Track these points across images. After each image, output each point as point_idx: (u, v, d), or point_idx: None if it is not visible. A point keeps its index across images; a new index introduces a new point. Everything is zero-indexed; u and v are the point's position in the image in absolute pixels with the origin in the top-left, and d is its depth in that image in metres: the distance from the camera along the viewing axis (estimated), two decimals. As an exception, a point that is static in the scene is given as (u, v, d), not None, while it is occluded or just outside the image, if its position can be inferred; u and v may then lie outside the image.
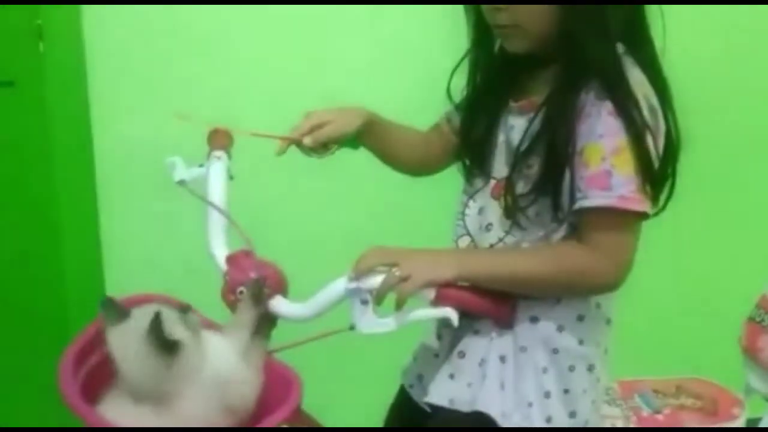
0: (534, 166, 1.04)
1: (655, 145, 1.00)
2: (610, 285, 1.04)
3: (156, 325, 0.94)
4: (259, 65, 1.91)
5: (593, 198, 0.99)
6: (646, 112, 1.00)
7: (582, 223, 1.03)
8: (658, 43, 1.07)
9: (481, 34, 1.13)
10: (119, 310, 0.98)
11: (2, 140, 1.88)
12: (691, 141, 1.86)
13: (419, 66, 1.90)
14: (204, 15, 1.88)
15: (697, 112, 1.89)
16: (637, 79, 1.01)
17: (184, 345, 0.96)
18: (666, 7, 1.07)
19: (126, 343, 0.96)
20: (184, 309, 1.01)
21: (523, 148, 1.06)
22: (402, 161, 1.28)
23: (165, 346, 0.95)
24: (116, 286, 1.94)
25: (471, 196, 1.16)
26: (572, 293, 1.06)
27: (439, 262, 1.00)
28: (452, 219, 1.19)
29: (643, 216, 1.01)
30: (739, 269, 2.02)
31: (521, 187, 1.06)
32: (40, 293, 1.92)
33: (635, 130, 0.98)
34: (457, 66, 1.17)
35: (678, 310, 2.10)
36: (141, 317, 0.97)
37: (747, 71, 2.04)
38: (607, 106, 0.99)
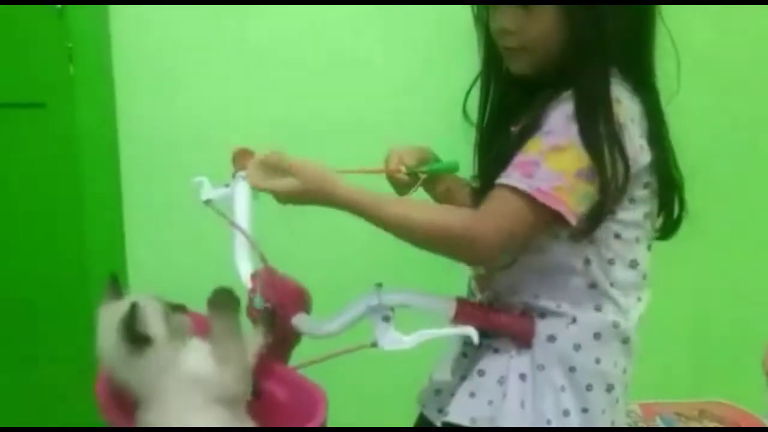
0: None
1: (613, 165, 1.00)
2: (478, 247, 0.99)
3: (129, 318, 0.97)
4: (284, 80, 1.93)
5: (512, 179, 0.99)
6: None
7: (489, 195, 1.02)
8: (669, 79, 1.09)
9: (492, 56, 1.14)
10: (117, 291, 1.04)
11: (33, 159, 1.94)
12: (715, 165, 1.90)
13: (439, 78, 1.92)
14: (228, 35, 1.91)
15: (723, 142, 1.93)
16: (614, 96, 1.01)
17: (155, 341, 0.99)
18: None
19: (107, 325, 1.00)
20: (175, 308, 1.03)
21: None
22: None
23: (135, 339, 0.97)
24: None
25: None
26: (438, 248, 1.02)
27: (322, 189, 1.00)
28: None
29: (555, 217, 0.99)
30: (763, 292, 2.01)
31: None
32: (67, 306, 1.95)
33: (594, 142, 0.98)
34: (471, 87, 1.19)
35: (701, 333, 2.08)
36: (132, 299, 1.00)
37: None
38: (567, 108, 1.01)
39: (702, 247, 1.95)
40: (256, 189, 1.04)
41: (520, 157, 1.01)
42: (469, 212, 1.02)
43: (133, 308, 0.97)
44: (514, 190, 0.99)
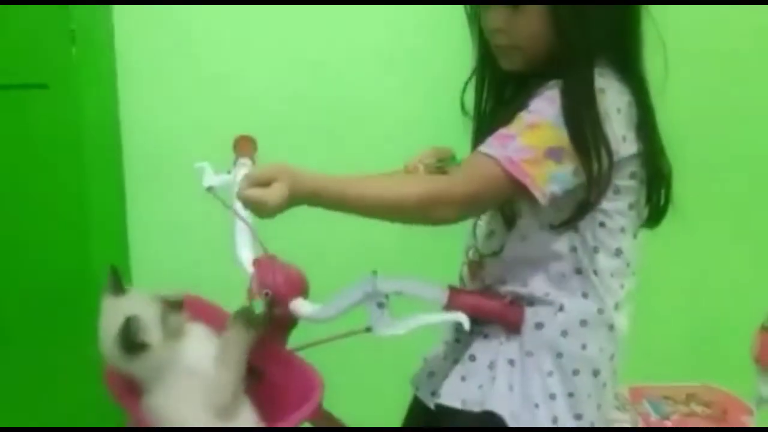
0: None
1: (597, 154, 1.03)
2: (446, 207, 1.02)
3: (125, 330, 1.01)
4: (283, 64, 1.95)
5: (487, 147, 1.04)
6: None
7: (466, 159, 1.07)
8: (658, 71, 1.12)
9: (485, 52, 1.17)
10: (119, 286, 1.07)
11: (36, 139, 1.96)
12: (707, 156, 1.93)
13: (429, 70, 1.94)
14: (231, 22, 1.92)
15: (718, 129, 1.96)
16: (598, 87, 1.04)
17: (152, 346, 1.03)
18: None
19: (109, 322, 1.04)
20: (173, 306, 1.07)
21: None
22: None
23: (132, 348, 1.03)
24: (142, 282, 1.98)
25: None
26: (412, 216, 1.04)
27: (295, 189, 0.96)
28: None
29: (521, 189, 1.02)
30: (752, 279, 2.04)
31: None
32: (69, 287, 1.98)
33: (577, 129, 1.02)
34: (468, 80, 1.22)
35: (692, 319, 2.12)
36: (131, 303, 1.05)
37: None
38: (552, 92, 1.05)
39: (693, 236, 1.99)
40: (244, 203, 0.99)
41: (502, 131, 1.05)
42: (436, 177, 1.07)
43: (129, 322, 1.01)
44: (487, 156, 1.03)
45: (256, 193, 0.95)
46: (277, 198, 0.94)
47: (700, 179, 1.87)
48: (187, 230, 1.98)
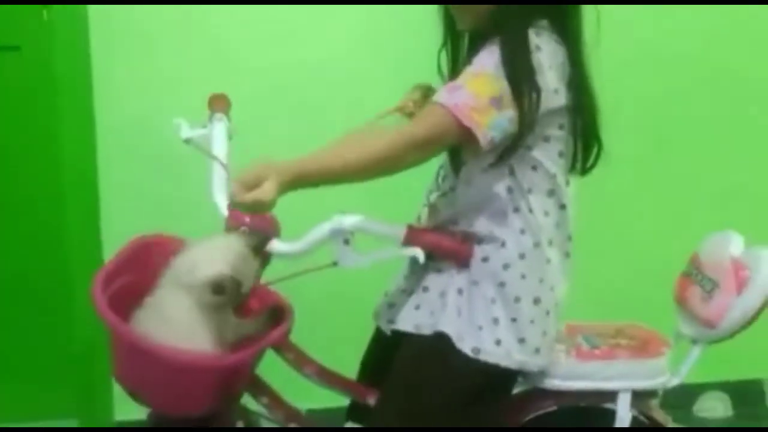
0: None
1: (529, 99, 1.16)
2: (414, 150, 1.14)
3: (227, 284, 1.18)
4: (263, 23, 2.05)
5: (440, 97, 1.17)
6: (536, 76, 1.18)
7: (423, 109, 1.20)
8: (592, 31, 1.26)
9: (450, 19, 1.31)
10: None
11: (9, 100, 2.03)
12: (643, 111, 2.10)
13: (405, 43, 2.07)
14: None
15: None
16: (534, 44, 1.18)
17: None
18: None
19: (211, 248, 1.22)
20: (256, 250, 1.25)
21: None
22: None
23: (214, 293, 1.19)
24: (114, 234, 2.01)
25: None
26: (391, 165, 1.15)
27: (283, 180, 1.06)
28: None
29: (467, 132, 1.14)
30: (676, 229, 2.23)
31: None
32: (42, 244, 2.08)
33: (512, 75, 1.15)
34: (443, 46, 1.35)
35: (622, 266, 2.31)
36: (236, 254, 1.22)
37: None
38: (492, 47, 1.18)
39: (623, 187, 2.17)
40: (242, 207, 1.08)
41: (451, 83, 1.20)
42: (401, 129, 1.18)
43: (231, 280, 1.18)
44: (439, 105, 1.16)
45: (253, 195, 1.04)
46: (270, 194, 1.04)
47: (630, 131, 2.05)
48: (159, 188, 2.05)
